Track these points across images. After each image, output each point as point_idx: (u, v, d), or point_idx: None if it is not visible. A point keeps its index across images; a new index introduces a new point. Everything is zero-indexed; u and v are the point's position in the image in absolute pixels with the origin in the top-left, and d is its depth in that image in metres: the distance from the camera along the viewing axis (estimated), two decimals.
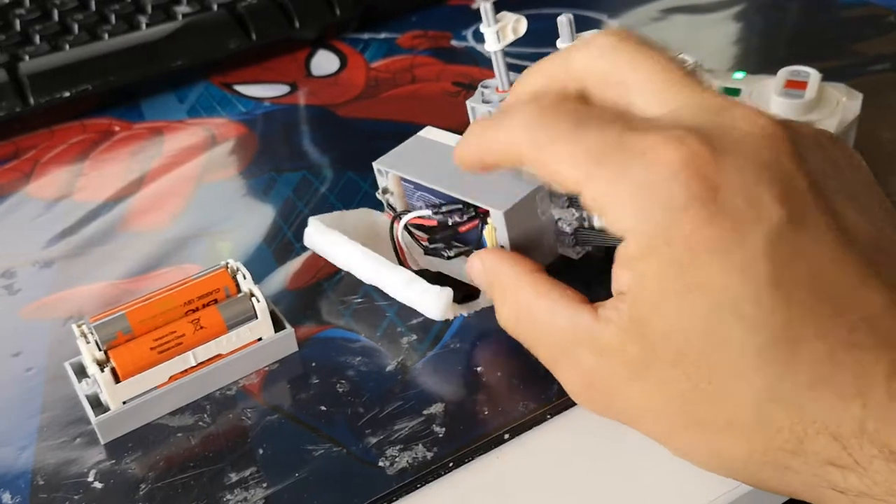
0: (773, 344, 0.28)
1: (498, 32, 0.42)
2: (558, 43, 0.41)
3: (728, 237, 0.28)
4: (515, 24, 0.43)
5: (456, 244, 0.42)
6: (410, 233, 0.43)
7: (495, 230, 0.41)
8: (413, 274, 0.40)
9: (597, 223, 0.43)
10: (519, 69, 0.43)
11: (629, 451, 0.36)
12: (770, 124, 0.30)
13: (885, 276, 0.28)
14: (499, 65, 0.44)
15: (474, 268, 0.37)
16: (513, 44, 0.43)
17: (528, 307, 0.34)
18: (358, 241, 0.42)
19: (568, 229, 0.42)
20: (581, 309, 0.32)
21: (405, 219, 0.42)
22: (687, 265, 0.28)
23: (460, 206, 0.41)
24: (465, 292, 0.41)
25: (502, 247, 0.41)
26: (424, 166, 0.43)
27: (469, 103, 0.46)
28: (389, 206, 0.44)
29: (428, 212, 0.42)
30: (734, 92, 0.50)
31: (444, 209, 0.41)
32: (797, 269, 0.28)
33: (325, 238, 0.43)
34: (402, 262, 0.42)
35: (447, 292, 0.39)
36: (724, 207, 0.28)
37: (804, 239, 0.28)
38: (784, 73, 0.49)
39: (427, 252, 0.42)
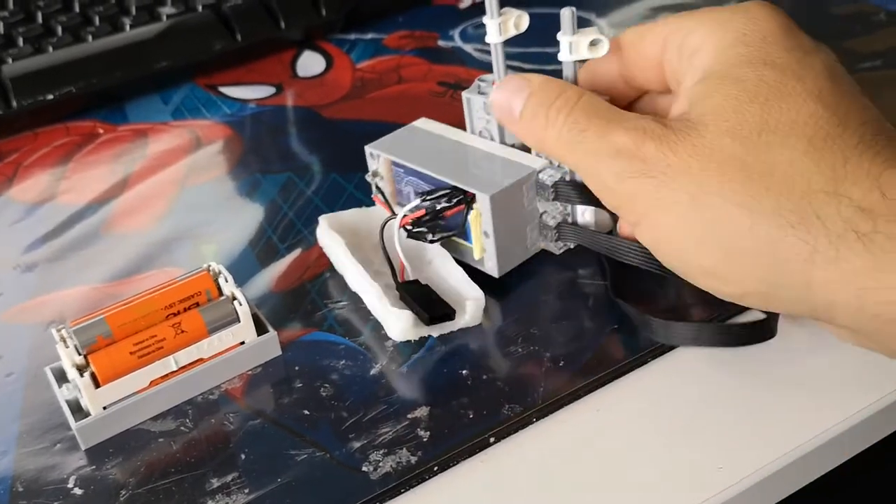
0: (829, 117, 0.33)
1: (500, 25, 0.42)
2: (559, 36, 0.41)
3: (800, 59, 0.35)
4: (518, 20, 0.43)
5: (440, 229, 0.42)
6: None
7: (480, 215, 0.40)
8: (381, 292, 0.41)
9: (580, 220, 0.42)
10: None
11: (616, 454, 0.36)
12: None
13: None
14: (497, 57, 0.43)
15: (511, 85, 0.39)
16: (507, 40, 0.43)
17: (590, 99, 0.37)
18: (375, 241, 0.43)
19: (552, 223, 0.42)
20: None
21: (396, 222, 0.42)
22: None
23: (448, 190, 0.41)
24: (443, 312, 0.41)
25: (486, 233, 0.41)
26: (415, 152, 0.43)
27: (465, 94, 0.45)
28: (378, 189, 0.44)
29: (415, 202, 0.41)
30: None
31: (431, 196, 0.41)
32: (841, 85, 0.34)
33: (326, 239, 0.45)
34: (393, 270, 0.42)
35: (407, 315, 0.40)
36: (792, 41, 0.35)
37: (839, 70, 0.35)
38: None
39: (410, 235, 0.42)
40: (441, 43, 0.65)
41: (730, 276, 0.34)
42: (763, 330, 0.39)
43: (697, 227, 0.33)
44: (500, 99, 0.39)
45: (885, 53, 0.58)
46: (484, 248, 0.42)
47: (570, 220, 0.42)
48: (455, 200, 0.41)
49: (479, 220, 0.41)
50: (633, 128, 0.35)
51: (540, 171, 0.41)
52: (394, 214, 0.42)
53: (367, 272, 0.42)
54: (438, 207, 0.41)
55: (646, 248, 0.37)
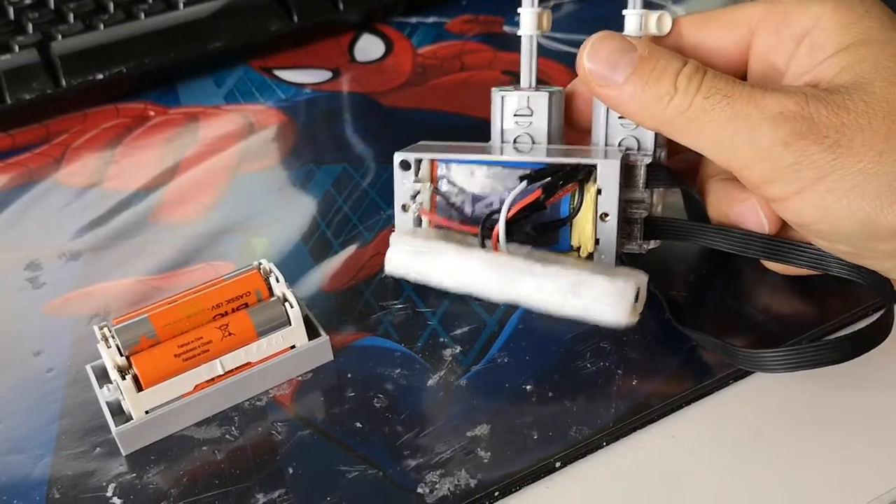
0: None
1: (541, 16, 0.40)
2: (626, 11, 0.39)
3: None
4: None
5: (543, 224, 0.38)
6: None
7: (599, 193, 0.37)
8: (580, 272, 0.34)
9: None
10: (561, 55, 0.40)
11: (692, 485, 0.33)
12: None
13: None
14: (529, 53, 0.41)
15: (608, 47, 0.36)
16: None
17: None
18: None
19: (638, 216, 0.39)
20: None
21: (503, 213, 0.36)
22: None
23: (556, 170, 0.37)
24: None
25: (603, 215, 0.37)
26: (469, 152, 0.39)
27: (497, 91, 0.41)
28: (440, 194, 0.40)
29: (521, 186, 0.36)
30: None
31: (533, 180, 0.36)
32: None
33: (427, 257, 0.37)
34: None
35: (631, 286, 0.34)
36: None
37: None
38: None
39: (508, 236, 0.37)
40: (507, 28, 0.62)
41: None
42: (876, 331, 0.35)
43: (887, 181, 0.32)
44: (593, 64, 0.36)
45: None
46: (597, 238, 0.38)
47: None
48: (561, 182, 0.36)
49: (596, 199, 0.37)
50: (791, 91, 0.33)
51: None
52: (490, 218, 0.37)
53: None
54: (560, 182, 0.36)
55: (767, 236, 0.36)
